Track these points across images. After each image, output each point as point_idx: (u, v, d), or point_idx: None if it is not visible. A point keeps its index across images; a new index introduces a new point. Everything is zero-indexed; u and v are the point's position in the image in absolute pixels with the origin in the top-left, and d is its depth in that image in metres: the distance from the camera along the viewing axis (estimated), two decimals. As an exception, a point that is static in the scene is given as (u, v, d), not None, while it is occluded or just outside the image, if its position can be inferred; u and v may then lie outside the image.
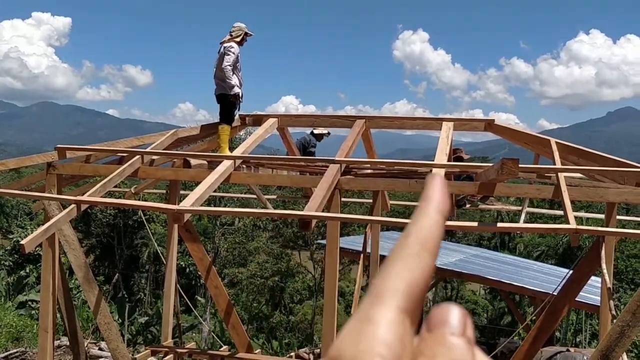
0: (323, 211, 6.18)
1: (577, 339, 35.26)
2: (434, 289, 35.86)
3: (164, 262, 9.93)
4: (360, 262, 9.92)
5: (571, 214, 5.53)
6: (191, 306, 15.01)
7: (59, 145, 7.94)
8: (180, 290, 10.50)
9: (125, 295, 34.10)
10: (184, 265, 36.69)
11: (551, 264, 33.45)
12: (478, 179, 7.00)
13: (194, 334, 29.10)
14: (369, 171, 8.64)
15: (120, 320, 22.49)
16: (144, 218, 12.34)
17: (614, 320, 6.59)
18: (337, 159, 7.17)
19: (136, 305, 32.64)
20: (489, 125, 8.47)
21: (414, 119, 9.15)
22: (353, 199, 18.89)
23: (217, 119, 9.12)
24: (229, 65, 8.64)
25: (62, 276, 8.28)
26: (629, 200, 6.93)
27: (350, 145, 7.82)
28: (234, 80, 8.72)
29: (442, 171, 6.50)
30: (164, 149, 8.26)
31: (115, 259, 42.01)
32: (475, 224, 5.72)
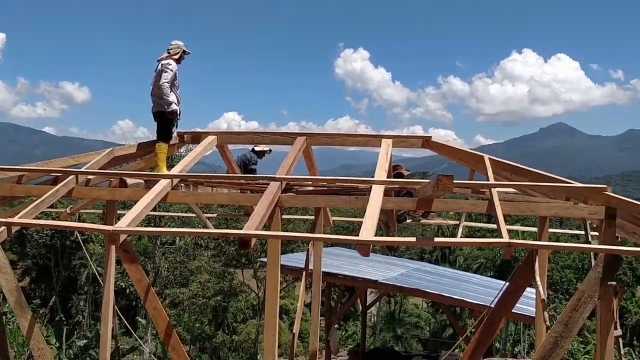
0: (264, 229, 6.15)
1: (516, 349, 36.16)
2: (377, 303, 36.20)
3: (101, 282, 9.65)
4: (303, 279, 9.91)
5: (504, 228, 5.69)
6: (130, 329, 14.64)
7: (-13, 166, 7.67)
8: (119, 312, 10.22)
9: (63, 318, 32.80)
10: (124, 286, 35.78)
11: (489, 275, 34.32)
12: (416, 195, 7.13)
13: (135, 356, 28.33)
14: (310, 188, 8.67)
15: (57, 344, 21.63)
16: (80, 239, 11.98)
17: (548, 331, 6.79)
18: (277, 176, 7.18)
19: (74, 328, 31.43)
20: (426, 142, 8.65)
21: (354, 135, 9.24)
22: (297, 215, 18.90)
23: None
24: (167, 82, 8.55)
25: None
26: (558, 214, 7.18)
27: (291, 163, 7.83)
28: (172, 97, 8.63)
29: (382, 187, 6.59)
30: (99, 168, 8.08)
31: (53, 281, 40.55)
32: (413, 239, 5.81)
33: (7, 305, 17.53)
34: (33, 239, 39.33)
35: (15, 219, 6.21)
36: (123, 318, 10.87)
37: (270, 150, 11.59)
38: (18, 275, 39.83)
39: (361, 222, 5.58)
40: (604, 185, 6.65)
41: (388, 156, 7.90)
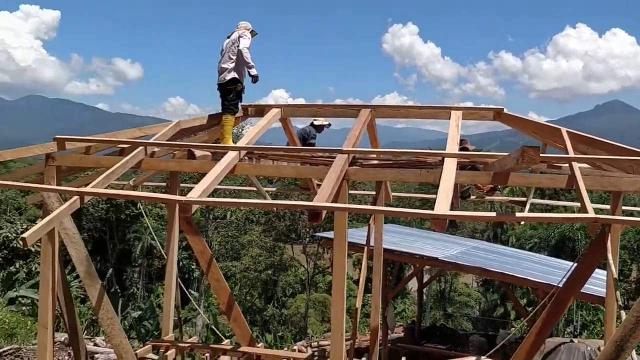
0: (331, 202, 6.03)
1: (568, 330, 35.46)
2: (430, 284, 35.86)
3: (164, 255, 9.70)
4: (365, 254, 9.74)
5: (589, 203, 5.42)
6: (191, 298, 14.88)
7: (58, 136, 7.71)
8: (181, 284, 10.32)
9: (118, 290, 33.79)
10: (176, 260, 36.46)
11: (544, 255, 33.60)
12: (490, 169, 6.88)
13: (188, 328, 28.98)
14: (375, 162, 8.50)
15: (113, 315, 22.27)
16: (143, 210, 12.11)
17: (621, 311, 6.50)
18: (344, 149, 7.02)
19: (129, 299, 32.40)
20: (498, 115, 8.32)
21: (420, 107, 8.98)
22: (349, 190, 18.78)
23: (207, 113, 9.03)
24: (247, 47, 8.60)
25: (61, 271, 8.08)
26: (643, 190, 6.84)
27: (357, 135, 7.67)
28: (252, 61, 8.64)
29: (455, 160, 6.37)
30: (166, 140, 8.07)
31: (108, 254, 41.65)
32: (493, 214, 5.62)
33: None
34: (89, 213, 40.26)
35: (88, 189, 6.24)
36: (184, 288, 10.98)
37: (329, 125, 11.47)
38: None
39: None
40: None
41: (458, 128, 7.64)
